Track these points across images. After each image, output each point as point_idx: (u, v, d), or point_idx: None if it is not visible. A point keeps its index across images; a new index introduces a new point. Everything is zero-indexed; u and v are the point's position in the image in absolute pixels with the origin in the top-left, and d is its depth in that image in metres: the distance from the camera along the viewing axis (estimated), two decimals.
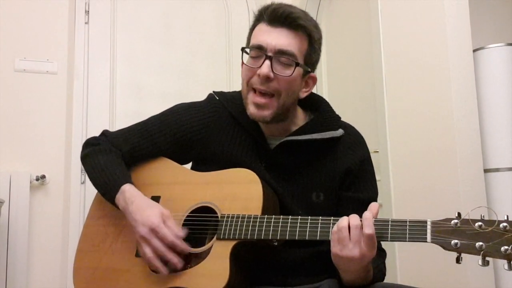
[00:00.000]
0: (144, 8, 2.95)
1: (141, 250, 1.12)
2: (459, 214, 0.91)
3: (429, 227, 0.92)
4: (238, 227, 1.07)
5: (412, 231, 0.93)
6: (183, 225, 1.16)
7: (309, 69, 1.18)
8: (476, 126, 1.85)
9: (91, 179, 1.26)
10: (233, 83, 2.96)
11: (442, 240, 0.90)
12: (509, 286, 1.75)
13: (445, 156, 1.82)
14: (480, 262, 0.86)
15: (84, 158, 1.30)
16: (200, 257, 1.10)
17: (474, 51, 1.93)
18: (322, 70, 2.86)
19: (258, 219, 1.07)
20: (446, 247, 0.89)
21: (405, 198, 2.02)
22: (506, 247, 0.83)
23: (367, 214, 0.96)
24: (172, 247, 1.09)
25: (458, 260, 0.89)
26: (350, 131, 1.25)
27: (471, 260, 0.93)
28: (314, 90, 1.26)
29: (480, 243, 0.86)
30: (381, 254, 1.16)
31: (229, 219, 1.09)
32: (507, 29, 2.43)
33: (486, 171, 1.86)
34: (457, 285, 1.73)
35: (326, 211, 1.15)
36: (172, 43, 2.97)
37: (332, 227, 0.99)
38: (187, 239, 1.12)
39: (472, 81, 1.87)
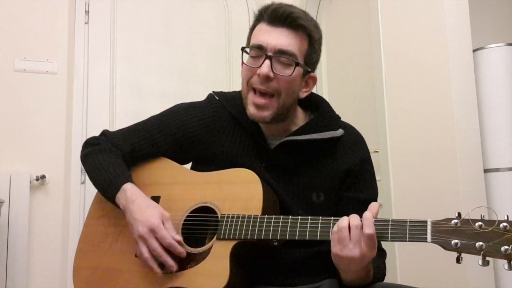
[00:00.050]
0: (144, 8, 2.95)
1: (138, 249, 1.12)
2: (459, 214, 0.91)
3: (429, 227, 0.92)
4: (238, 227, 1.07)
5: (412, 231, 0.93)
6: (183, 225, 1.16)
7: (309, 69, 1.18)
8: (476, 126, 1.85)
9: (91, 179, 1.26)
10: (233, 83, 2.96)
11: (442, 240, 0.90)
12: (509, 286, 1.75)
13: (445, 156, 1.82)
14: (480, 262, 0.86)
15: (84, 157, 1.30)
16: (200, 257, 1.10)
17: (474, 51, 1.92)
18: (322, 70, 2.86)
19: (258, 219, 1.07)
20: (446, 247, 0.89)
21: (405, 198, 2.02)
22: (506, 247, 0.83)
23: (367, 214, 0.96)
24: (169, 249, 1.09)
25: (458, 260, 0.89)
26: (350, 131, 1.25)
27: (471, 260, 0.93)
28: (314, 90, 1.26)
29: (480, 243, 0.86)
30: (381, 254, 1.16)
31: (229, 219, 1.09)
32: (507, 29, 2.43)
33: (486, 171, 1.86)
34: (457, 285, 1.73)
35: (326, 211, 1.15)
36: (172, 43, 2.97)
37: (332, 227, 0.99)
38: (187, 239, 1.12)
39: (472, 81, 1.87)
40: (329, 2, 2.90)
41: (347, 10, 2.73)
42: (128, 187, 1.18)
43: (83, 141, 1.36)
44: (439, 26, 1.87)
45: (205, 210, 1.15)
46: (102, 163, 1.23)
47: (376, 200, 1.18)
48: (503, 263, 0.85)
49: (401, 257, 2.01)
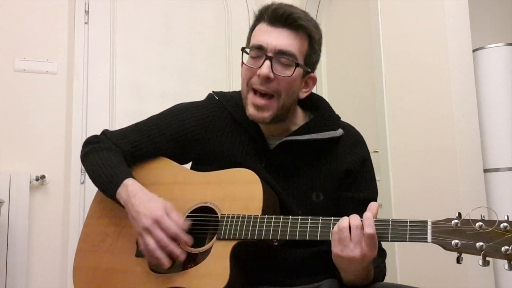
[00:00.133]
0: (144, 8, 2.94)
1: (142, 242, 1.11)
2: (459, 214, 0.91)
3: (429, 227, 0.92)
4: (238, 227, 1.07)
5: (413, 231, 0.93)
6: None
7: (309, 70, 1.18)
8: (476, 126, 1.85)
9: (91, 177, 1.26)
10: (233, 83, 2.96)
11: (442, 240, 0.90)
12: (509, 286, 1.75)
13: (445, 156, 1.82)
14: (480, 262, 0.86)
15: (84, 156, 1.30)
16: (200, 257, 1.10)
17: (474, 51, 1.93)
18: (322, 70, 2.86)
19: (258, 219, 1.07)
20: (447, 247, 0.89)
21: (405, 198, 2.02)
22: (506, 247, 0.83)
23: (368, 214, 0.96)
24: (175, 239, 1.09)
25: (458, 260, 0.89)
26: (350, 131, 1.25)
27: (472, 260, 0.93)
28: (314, 90, 1.26)
29: (481, 243, 0.86)
30: (381, 254, 1.16)
31: (229, 219, 1.09)
32: (507, 29, 2.43)
33: (486, 171, 1.86)
34: (457, 285, 1.73)
35: (326, 211, 1.15)
36: (172, 43, 2.97)
37: (333, 227, 0.99)
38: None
39: (472, 81, 1.87)
40: (329, 2, 2.90)
41: (347, 10, 2.73)
42: (129, 182, 1.18)
43: (83, 141, 1.36)
44: (439, 26, 1.87)
45: (205, 210, 1.15)
46: (102, 160, 1.23)
47: (376, 200, 1.18)
48: (503, 263, 0.85)
49: (401, 257, 2.01)
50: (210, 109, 1.29)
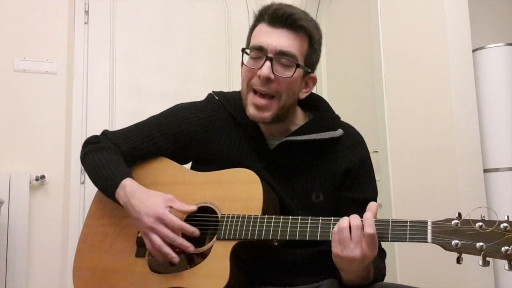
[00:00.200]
0: (144, 8, 2.94)
1: (148, 240, 1.11)
2: (459, 214, 0.91)
3: (429, 227, 0.92)
4: (238, 227, 1.07)
5: (413, 231, 0.93)
6: None
7: (309, 70, 1.18)
8: (476, 126, 1.85)
9: (91, 177, 1.26)
10: (233, 83, 2.96)
11: (442, 240, 0.90)
12: (509, 286, 1.75)
13: (445, 156, 1.82)
14: (480, 263, 0.86)
15: (84, 156, 1.30)
16: (200, 257, 1.10)
17: (473, 51, 1.92)
18: (321, 70, 2.86)
19: (258, 219, 1.07)
20: (447, 247, 0.89)
21: (405, 198, 2.02)
22: (506, 247, 0.83)
23: (368, 214, 0.96)
24: (181, 232, 1.09)
25: (458, 260, 0.89)
26: (350, 131, 1.25)
27: (472, 261, 0.93)
28: (313, 90, 1.26)
29: (481, 243, 0.86)
30: (381, 254, 1.15)
31: (229, 219, 1.09)
32: (507, 29, 2.43)
33: (485, 171, 1.86)
34: (457, 285, 1.73)
35: (326, 211, 1.15)
36: (172, 43, 2.97)
37: (333, 227, 0.99)
38: (187, 240, 1.12)
39: (471, 81, 1.87)
40: (329, 2, 2.90)
41: (347, 10, 2.73)
42: (127, 182, 1.18)
43: (83, 141, 1.36)
44: (439, 26, 1.87)
45: (205, 210, 1.15)
46: (101, 160, 1.23)
47: (376, 200, 1.18)
48: (503, 263, 0.85)
49: (401, 257, 2.01)
50: (210, 109, 1.29)
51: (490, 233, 0.86)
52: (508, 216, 0.87)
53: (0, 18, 2.51)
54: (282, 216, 1.06)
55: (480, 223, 0.87)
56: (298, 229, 1.03)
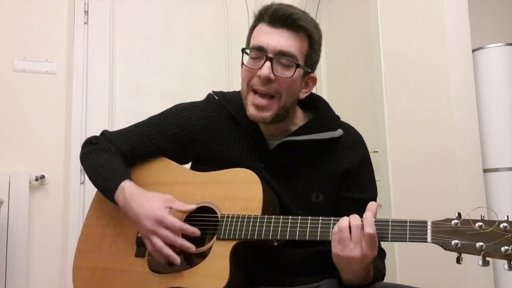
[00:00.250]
0: (143, 8, 2.94)
1: (149, 243, 1.11)
2: (459, 214, 0.91)
3: (429, 227, 0.92)
4: (238, 227, 1.07)
5: (413, 231, 0.93)
6: None
7: (309, 70, 1.18)
8: (476, 126, 1.85)
9: (90, 178, 1.26)
10: (233, 83, 2.96)
11: (442, 240, 0.90)
12: (509, 286, 1.75)
13: (445, 156, 1.82)
14: (480, 262, 0.86)
15: (83, 157, 1.30)
16: (200, 257, 1.10)
17: (473, 51, 1.93)
18: (321, 70, 2.86)
19: (258, 219, 1.07)
20: (447, 247, 0.89)
21: (405, 198, 2.02)
22: (506, 247, 0.83)
23: (368, 214, 0.96)
24: (181, 233, 1.09)
25: (458, 260, 0.89)
26: (350, 131, 1.25)
27: (471, 260, 0.93)
28: (313, 90, 1.26)
29: (481, 243, 0.86)
30: (381, 254, 1.15)
31: (229, 219, 1.09)
32: (506, 29, 2.43)
33: (485, 171, 1.86)
34: (457, 285, 1.73)
35: (325, 211, 1.15)
36: (171, 43, 2.97)
37: (332, 227, 0.99)
38: (187, 240, 1.12)
39: (471, 81, 1.87)
40: (328, 2, 2.90)
41: (347, 10, 2.73)
42: (125, 185, 1.18)
43: (83, 141, 1.36)
44: (439, 26, 1.88)
45: (205, 210, 1.15)
46: (101, 161, 1.23)
47: (375, 200, 1.17)
48: (503, 263, 0.85)
49: (400, 257, 2.01)
50: (210, 109, 1.29)
51: (490, 233, 0.86)
52: (507, 216, 0.87)
53: (0, 18, 2.52)
54: (282, 216, 1.06)
55: (480, 223, 0.87)
56: (298, 229, 1.03)
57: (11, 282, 2.28)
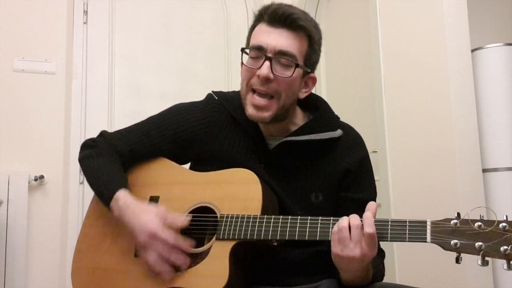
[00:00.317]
0: (143, 8, 2.94)
1: (143, 255, 1.11)
2: (458, 214, 0.91)
3: (428, 227, 0.92)
4: (238, 227, 1.07)
5: (412, 231, 0.93)
6: None
7: (309, 70, 1.18)
8: (475, 126, 1.85)
9: (88, 182, 1.26)
10: (232, 83, 2.96)
11: (441, 240, 0.90)
12: (508, 286, 1.75)
13: (444, 156, 1.82)
14: (479, 262, 0.86)
15: (81, 161, 1.29)
16: (199, 257, 1.10)
17: (472, 51, 1.93)
18: (321, 70, 2.86)
19: (257, 219, 1.07)
20: (446, 247, 0.89)
21: (404, 198, 2.02)
22: (505, 247, 0.83)
23: (368, 214, 0.96)
24: (175, 248, 1.09)
25: (457, 260, 0.89)
26: (349, 131, 1.25)
27: (471, 260, 0.93)
28: (313, 90, 1.26)
29: (480, 243, 0.86)
30: (380, 254, 1.16)
31: (229, 219, 1.09)
32: (506, 29, 2.43)
33: (484, 171, 1.86)
34: (456, 285, 1.73)
35: (325, 211, 1.15)
36: (171, 43, 2.97)
37: (332, 227, 0.99)
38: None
39: (470, 81, 1.87)
40: (328, 2, 2.90)
41: (346, 10, 2.73)
42: (120, 196, 1.16)
43: (82, 141, 1.35)
44: (438, 26, 1.88)
45: (205, 210, 1.15)
46: (96, 168, 1.22)
47: (375, 200, 1.18)
48: (502, 263, 0.85)
49: (400, 257, 2.01)
50: (210, 109, 1.29)
51: (489, 233, 0.86)
52: (507, 216, 0.87)
53: None
54: (281, 216, 1.06)
55: (479, 223, 0.87)
56: (297, 229, 1.03)
57: (10, 282, 2.28)
